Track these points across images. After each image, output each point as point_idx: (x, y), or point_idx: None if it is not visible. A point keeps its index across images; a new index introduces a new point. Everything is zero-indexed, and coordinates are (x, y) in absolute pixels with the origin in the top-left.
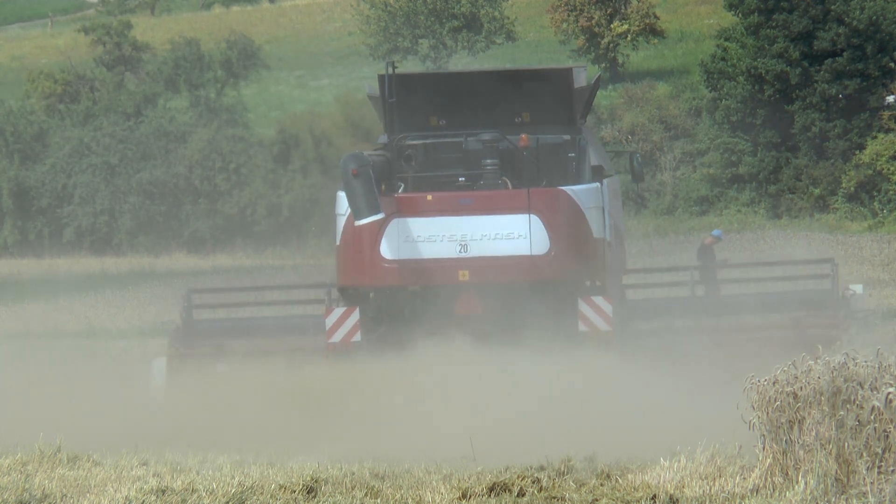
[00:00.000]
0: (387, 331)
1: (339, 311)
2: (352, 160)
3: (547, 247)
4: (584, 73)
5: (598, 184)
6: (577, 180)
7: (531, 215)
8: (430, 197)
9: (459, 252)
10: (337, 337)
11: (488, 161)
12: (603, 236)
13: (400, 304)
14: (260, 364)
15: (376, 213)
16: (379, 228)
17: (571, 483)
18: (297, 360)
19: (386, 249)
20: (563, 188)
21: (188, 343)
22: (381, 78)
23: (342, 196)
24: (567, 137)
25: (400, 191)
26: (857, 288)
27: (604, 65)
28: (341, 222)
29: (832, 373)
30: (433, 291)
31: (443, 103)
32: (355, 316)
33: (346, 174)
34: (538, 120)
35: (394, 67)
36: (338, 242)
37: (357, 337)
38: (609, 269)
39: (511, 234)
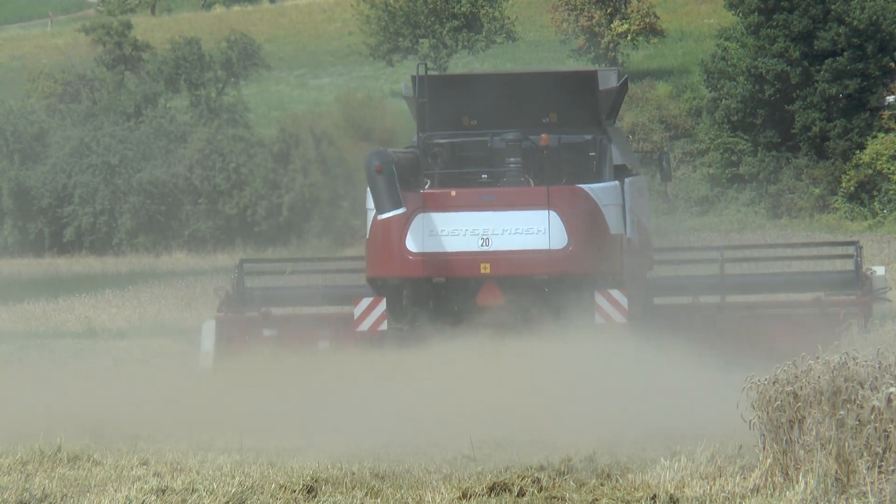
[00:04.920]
0: (411, 320)
1: (367, 301)
2: (375, 157)
3: (565, 242)
4: (614, 75)
5: (616, 182)
6: (597, 179)
7: (550, 212)
8: (453, 193)
9: (481, 246)
10: (365, 326)
11: (511, 160)
12: (621, 232)
13: (425, 294)
14: (303, 330)
15: (398, 207)
16: (405, 222)
17: (571, 483)
18: (333, 339)
19: (411, 243)
20: (582, 186)
21: (236, 308)
22: (414, 79)
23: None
24: (589, 137)
25: (426, 187)
26: (879, 269)
27: (604, 64)
28: (370, 217)
29: (832, 372)
30: (457, 283)
31: (474, 104)
32: (382, 306)
33: (369, 171)
34: (565, 120)
35: (426, 69)
36: (367, 236)
37: (384, 326)
38: (629, 264)
39: (531, 229)
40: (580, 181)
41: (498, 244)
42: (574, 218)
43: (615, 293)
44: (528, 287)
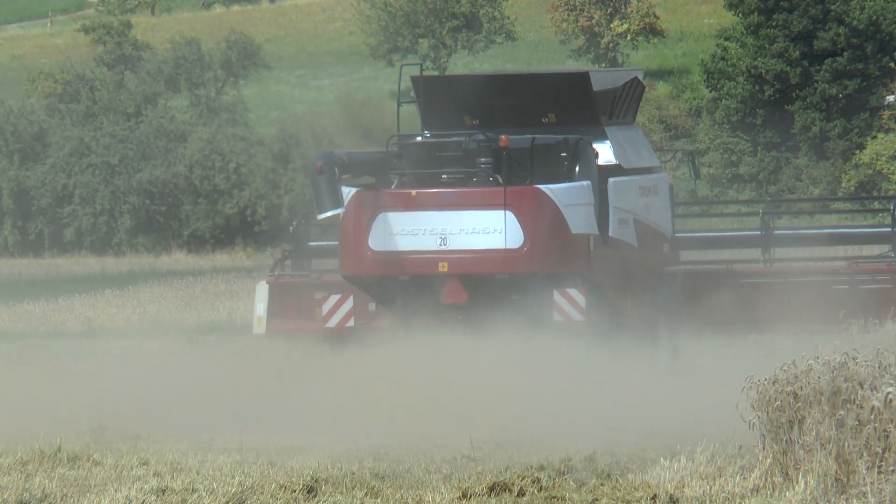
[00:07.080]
0: (377, 317)
1: (334, 298)
2: (319, 158)
3: (521, 241)
4: (639, 74)
5: (587, 182)
6: (568, 179)
7: (507, 211)
8: (414, 193)
9: (439, 245)
10: (332, 322)
11: (482, 160)
12: (588, 232)
13: (391, 292)
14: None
15: (337, 207)
16: (368, 222)
17: (571, 483)
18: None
19: (373, 241)
20: (540, 186)
21: (288, 272)
22: (412, 79)
23: (342, 191)
24: (561, 138)
25: (392, 187)
26: None
27: (603, 64)
28: (342, 216)
29: (832, 372)
30: (422, 281)
31: (473, 104)
32: (350, 303)
33: (311, 170)
34: (563, 120)
35: (422, 69)
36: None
37: (351, 322)
38: (613, 263)
39: (487, 228)
40: (551, 181)
41: (455, 243)
42: (531, 218)
43: (573, 292)
44: (491, 286)
